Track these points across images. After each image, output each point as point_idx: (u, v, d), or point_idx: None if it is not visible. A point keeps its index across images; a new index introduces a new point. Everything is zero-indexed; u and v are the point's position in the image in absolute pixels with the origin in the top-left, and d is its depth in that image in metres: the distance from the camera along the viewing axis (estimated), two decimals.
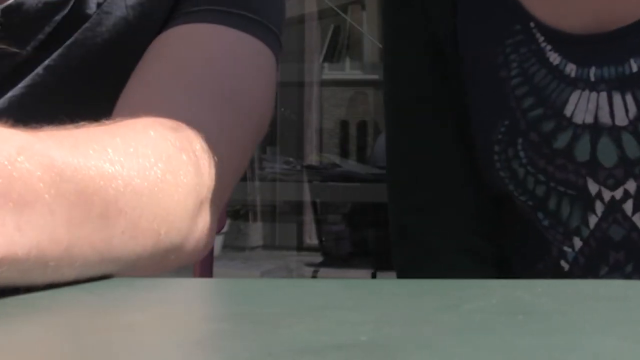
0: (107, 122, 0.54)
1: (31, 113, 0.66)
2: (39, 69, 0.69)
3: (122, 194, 0.48)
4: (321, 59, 5.06)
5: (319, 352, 0.29)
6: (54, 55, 0.69)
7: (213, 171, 0.59)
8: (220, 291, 0.45)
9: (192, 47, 0.68)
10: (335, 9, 4.95)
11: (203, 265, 1.06)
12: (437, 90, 0.85)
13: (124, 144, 0.51)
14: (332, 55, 5.03)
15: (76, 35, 0.70)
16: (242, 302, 0.39)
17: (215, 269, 1.12)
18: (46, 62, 0.69)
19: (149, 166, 0.51)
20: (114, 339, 0.32)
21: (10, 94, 0.69)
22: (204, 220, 0.58)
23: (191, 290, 0.45)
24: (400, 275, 0.89)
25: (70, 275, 0.45)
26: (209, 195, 0.58)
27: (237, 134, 0.65)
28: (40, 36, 0.69)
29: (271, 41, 0.72)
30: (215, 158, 0.60)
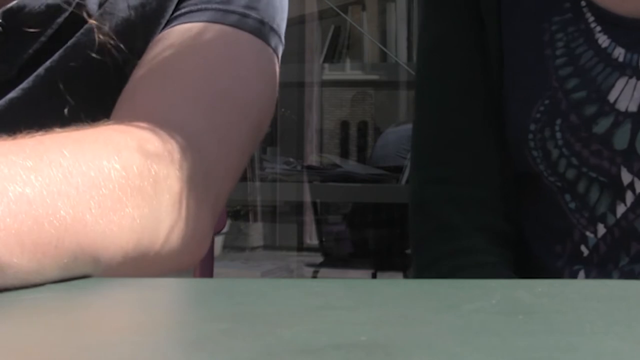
0: (72, 129, 0.54)
1: (32, 114, 0.66)
2: (40, 70, 0.69)
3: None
4: (321, 59, 5.05)
5: (319, 352, 0.29)
6: (55, 56, 0.69)
7: (196, 168, 0.58)
8: (220, 291, 0.45)
9: (188, 47, 0.68)
10: (336, 9, 4.94)
11: (203, 265, 1.06)
12: (471, 63, 0.83)
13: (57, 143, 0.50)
14: (333, 55, 5.03)
15: (77, 36, 0.69)
16: (242, 302, 0.39)
17: (215, 269, 1.12)
18: (47, 63, 0.69)
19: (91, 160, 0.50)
20: (113, 339, 0.32)
21: (11, 94, 0.69)
22: (187, 214, 0.57)
23: (191, 290, 0.45)
24: (414, 251, 0.86)
25: (52, 272, 0.45)
26: (190, 191, 0.57)
27: (231, 133, 0.65)
28: (42, 38, 0.69)
29: (271, 39, 0.71)
30: (203, 156, 0.59)
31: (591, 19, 0.78)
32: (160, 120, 0.59)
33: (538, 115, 0.79)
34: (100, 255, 0.48)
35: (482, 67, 0.83)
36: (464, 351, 0.29)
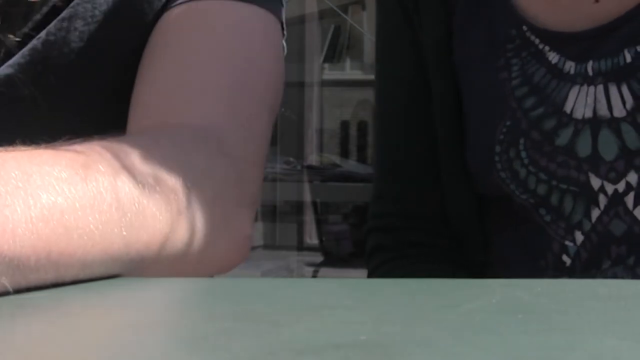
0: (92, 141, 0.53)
1: (29, 90, 0.65)
2: (37, 43, 0.67)
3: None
4: (321, 59, 5.05)
5: (319, 352, 0.29)
6: (52, 29, 0.67)
7: (228, 172, 0.58)
8: (220, 291, 0.45)
9: (198, 29, 0.66)
10: (336, 9, 4.94)
11: None
12: (424, 97, 0.86)
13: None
14: (333, 55, 5.03)
15: (75, 7, 0.67)
16: (242, 302, 0.39)
17: None
18: (44, 36, 0.67)
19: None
20: (114, 339, 0.32)
21: (6, 70, 0.67)
22: (224, 219, 0.56)
23: (191, 290, 0.45)
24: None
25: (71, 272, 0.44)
26: (224, 196, 0.57)
27: (254, 124, 0.64)
28: (37, 16, 0.68)
29: (275, 6, 0.71)
30: (233, 158, 0.59)
31: (537, 40, 0.80)
32: (184, 121, 0.59)
33: (502, 137, 0.81)
34: (123, 271, 0.48)
35: (436, 101, 0.86)
36: (463, 350, 0.29)
